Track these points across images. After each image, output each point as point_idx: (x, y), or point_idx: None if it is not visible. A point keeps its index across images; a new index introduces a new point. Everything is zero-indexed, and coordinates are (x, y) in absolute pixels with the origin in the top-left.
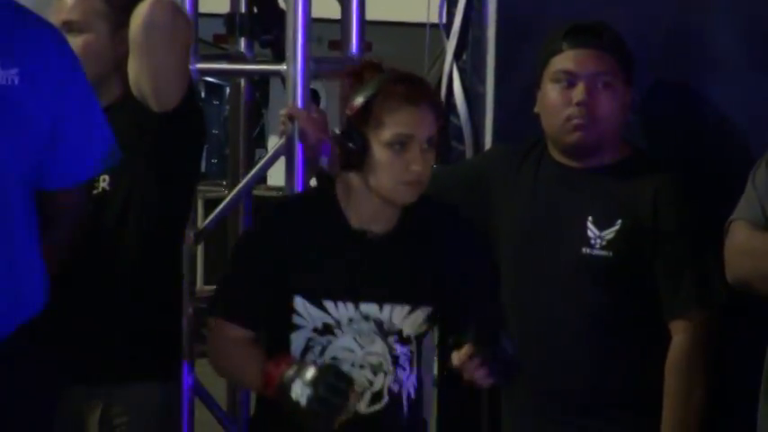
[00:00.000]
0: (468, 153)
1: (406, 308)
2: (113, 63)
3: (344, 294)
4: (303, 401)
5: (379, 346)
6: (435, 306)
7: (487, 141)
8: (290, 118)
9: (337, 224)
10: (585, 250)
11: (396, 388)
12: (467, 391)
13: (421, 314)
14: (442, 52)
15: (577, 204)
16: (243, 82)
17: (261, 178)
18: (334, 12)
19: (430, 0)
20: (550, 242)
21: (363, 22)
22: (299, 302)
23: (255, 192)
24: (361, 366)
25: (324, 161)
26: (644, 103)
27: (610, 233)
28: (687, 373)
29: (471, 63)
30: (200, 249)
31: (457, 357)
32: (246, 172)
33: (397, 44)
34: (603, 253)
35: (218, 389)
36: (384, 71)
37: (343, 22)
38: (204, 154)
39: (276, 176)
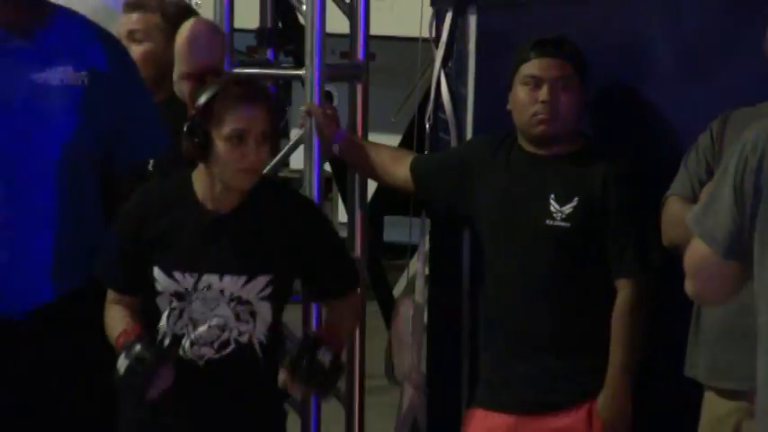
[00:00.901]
0: (453, 143)
1: (243, 278)
2: (166, 67)
3: (189, 266)
4: (121, 371)
5: (222, 308)
6: (273, 275)
7: (468, 133)
8: (308, 114)
9: (188, 205)
10: (549, 222)
11: (244, 338)
12: (451, 338)
13: (259, 282)
14: (432, 61)
15: (542, 184)
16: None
17: (284, 162)
18: (344, 28)
19: (422, 18)
20: (520, 215)
21: (368, 37)
22: (157, 272)
23: (280, 174)
24: (210, 326)
25: (336, 148)
26: (596, 102)
27: (568, 208)
28: (630, 323)
29: (456, 69)
30: None
31: (281, 380)
32: (273, 157)
33: (395, 54)
34: (563, 224)
35: None
36: (222, 76)
37: (351, 36)
38: None
39: (296, 161)
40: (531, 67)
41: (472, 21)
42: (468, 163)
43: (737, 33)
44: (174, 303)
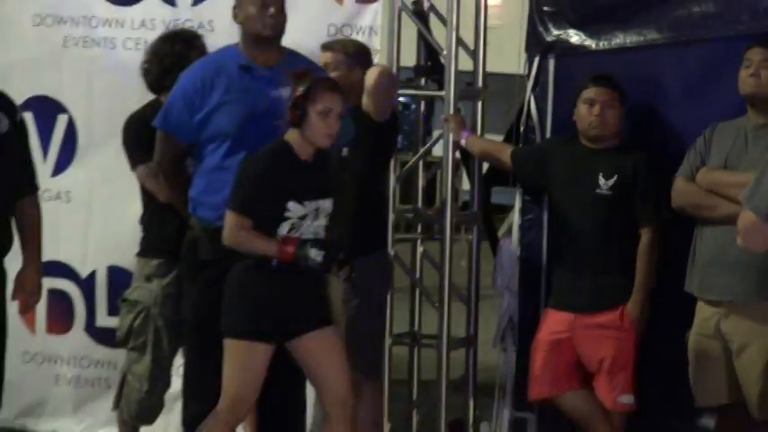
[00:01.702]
0: (538, 140)
1: (330, 200)
2: (350, 86)
3: (310, 196)
4: (320, 258)
5: (322, 221)
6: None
7: (548, 134)
8: (446, 120)
9: (295, 160)
10: (598, 191)
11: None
12: (535, 263)
13: (329, 202)
14: (525, 87)
15: (594, 167)
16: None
17: (428, 152)
18: (470, 66)
19: (520, 60)
20: (580, 186)
21: (485, 73)
22: (291, 204)
23: (426, 159)
24: (318, 233)
25: (463, 142)
26: (631, 115)
27: (611, 182)
28: (648, 256)
29: (540, 93)
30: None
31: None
32: (422, 147)
33: (502, 83)
34: (607, 192)
35: None
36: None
37: (474, 72)
38: (400, 137)
39: (437, 150)
40: (589, 93)
41: (551, 63)
42: (547, 153)
43: (721, 73)
44: (296, 222)
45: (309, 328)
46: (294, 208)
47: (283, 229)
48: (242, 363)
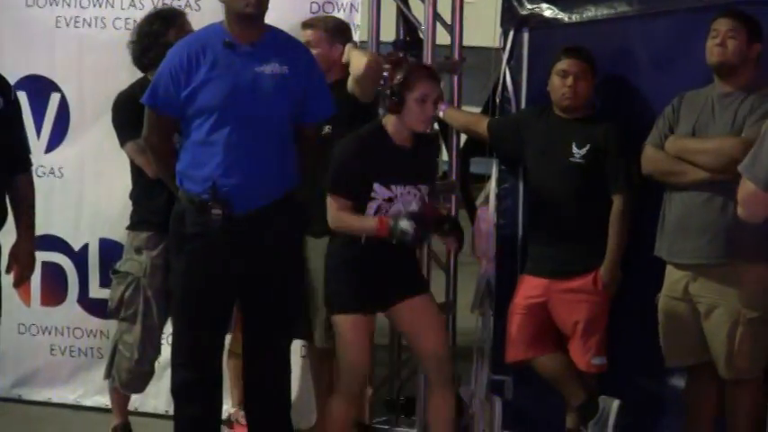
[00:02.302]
0: (513, 111)
1: (425, 186)
2: (329, 63)
3: (399, 180)
4: (410, 230)
5: (415, 205)
6: (432, 182)
7: (523, 105)
8: None
9: (389, 144)
10: (571, 159)
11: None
12: (510, 230)
13: (427, 187)
14: (501, 61)
15: (567, 136)
16: None
17: None
18: (447, 41)
19: (496, 33)
20: (553, 155)
21: (461, 46)
22: (376, 187)
23: None
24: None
25: (441, 114)
26: (602, 85)
27: (583, 151)
28: (620, 222)
29: (515, 66)
30: None
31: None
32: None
33: (478, 57)
34: (580, 161)
35: None
36: (408, 62)
37: (452, 45)
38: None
39: None
40: (562, 65)
41: (526, 36)
42: (522, 123)
43: (689, 44)
44: (383, 204)
45: (403, 296)
46: (380, 190)
47: (371, 209)
48: (351, 336)
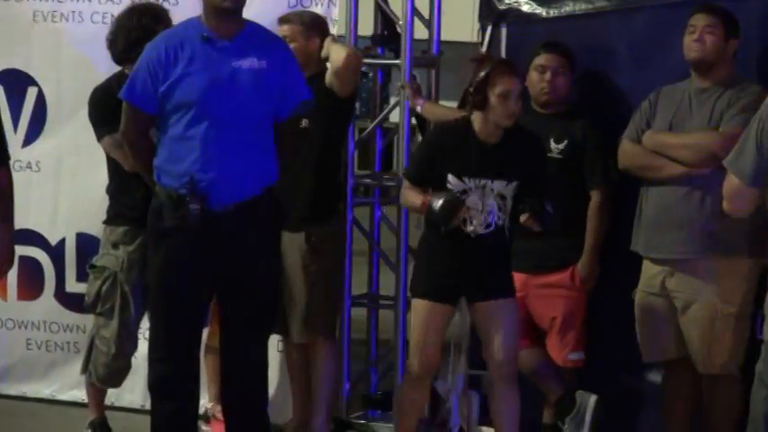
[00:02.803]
0: None
1: (504, 182)
2: (307, 57)
3: (474, 174)
4: (438, 205)
5: (492, 201)
6: (520, 182)
7: None
8: (402, 87)
9: (470, 138)
10: (550, 154)
11: (500, 222)
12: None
13: (512, 186)
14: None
15: (545, 131)
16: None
17: (386, 117)
18: (425, 35)
19: (474, 28)
20: None
21: (439, 41)
22: (450, 177)
23: (384, 125)
24: (483, 211)
25: (419, 109)
26: (581, 80)
27: (562, 146)
28: (598, 218)
29: None
30: None
31: (522, 218)
32: (379, 114)
33: (456, 51)
34: (558, 156)
35: None
36: (493, 59)
37: (429, 40)
38: (358, 104)
39: (394, 116)
40: (540, 60)
41: (504, 31)
42: None
43: (666, 39)
44: (459, 196)
45: (484, 297)
46: (453, 181)
47: None
48: (422, 321)
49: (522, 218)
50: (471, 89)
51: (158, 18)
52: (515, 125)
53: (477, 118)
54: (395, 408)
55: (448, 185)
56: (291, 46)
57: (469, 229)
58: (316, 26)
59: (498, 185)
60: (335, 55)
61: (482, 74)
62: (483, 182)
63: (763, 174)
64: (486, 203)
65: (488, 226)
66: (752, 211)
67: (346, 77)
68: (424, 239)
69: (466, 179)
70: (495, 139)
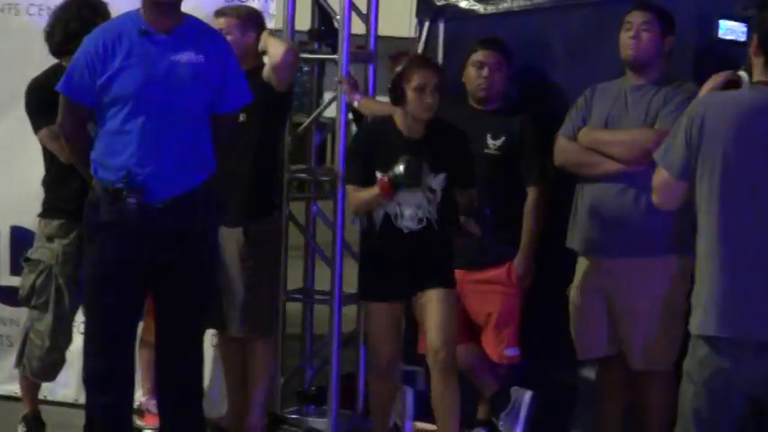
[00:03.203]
0: None
1: (431, 174)
2: (242, 51)
3: None
4: (402, 167)
5: (420, 195)
6: (448, 172)
7: None
8: (340, 83)
9: (395, 133)
10: (486, 150)
11: (430, 216)
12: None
13: (440, 178)
14: (416, 51)
15: (482, 127)
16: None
17: (322, 113)
18: (363, 30)
19: (411, 23)
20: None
21: (376, 36)
22: (379, 174)
23: (320, 120)
24: (413, 205)
25: (356, 104)
26: (518, 76)
27: (498, 142)
28: (534, 214)
29: (431, 56)
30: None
31: (462, 220)
32: (315, 108)
33: (393, 46)
34: (495, 152)
35: None
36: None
37: (366, 35)
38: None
39: (330, 111)
40: (478, 56)
41: (441, 27)
42: (437, 114)
43: (603, 35)
44: None
45: (421, 287)
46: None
47: None
48: (378, 322)
49: (462, 219)
50: (389, 86)
51: (97, 10)
52: (436, 118)
53: (398, 114)
54: (371, 406)
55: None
56: (228, 38)
57: (402, 224)
58: (252, 20)
59: (428, 179)
60: (273, 50)
61: (398, 69)
62: None
63: (691, 168)
64: (413, 198)
65: (420, 221)
66: (679, 205)
67: (284, 73)
68: (363, 244)
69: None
70: (418, 134)
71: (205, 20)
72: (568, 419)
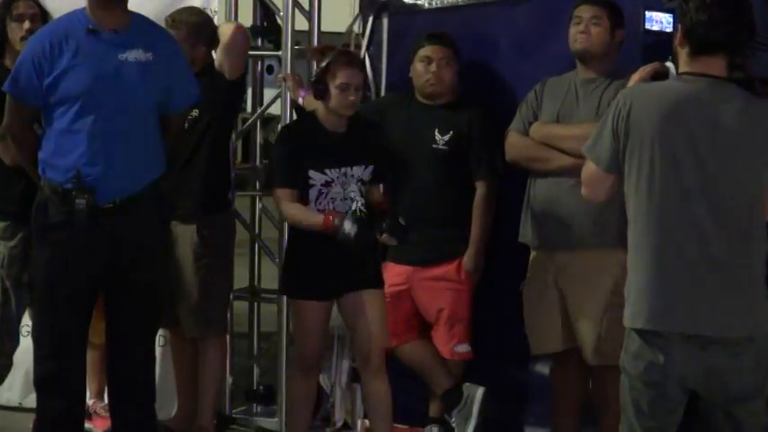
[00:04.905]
0: (373, 97)
1: (362, 167)
2: (194, 61)
3: (333, 164)
4: (353, 233)
5: (353, 187)
6: (374, 164)
7: (383, 91)
8: (284, 79)
9: (320, 130)
10: (434, 146)
11: (362, 207)
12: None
13: (369, 169)
14: (360, 46)
15: (430, 122)
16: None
17: (266, 109)
18: (306, 26)
19: (354, 16)
20: (416, 142)
21: (320, 32)
22: (312, 173)
23: (264, 116)
24: (346, 199)
25: (300, 101)
26: (465, 71)
27: (446, 137)
28: (483, 209)
29: (375, 51)
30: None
31: (380, 237)
32: (260, 106)
33: (337, 42)
34: (443, 147)
35: None
36: (335, 50)
37: (310, 32)
38: None
39: (275, 108)
40: (425, 51)
41: (385, 21)
42: (384, 110)
43: (551, 30)
44: (322, 189)
45: (349, 288)
46: (315, 176)
47: (312, 194)
48: (303, 319)
49: (380, 237)
50: (313, 79)
51: (8, 7)
52: (355, 113)
53: (320, 108)
54: (285, 404)
55: (311, 181)
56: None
57: (345, 231)
58: (202, 34)
59: (357, 171)
60: (224, 30)
61: (322, 64)
62: (343, 170)
63: (619, 160)
64: (347, 191)
65: (357, 221)
66: (608, 197)
67: (234, 54)
68: (292, 238)
69: (327, 171)
70: (342, 128)
71: (154, 18)
72: (522, 416)
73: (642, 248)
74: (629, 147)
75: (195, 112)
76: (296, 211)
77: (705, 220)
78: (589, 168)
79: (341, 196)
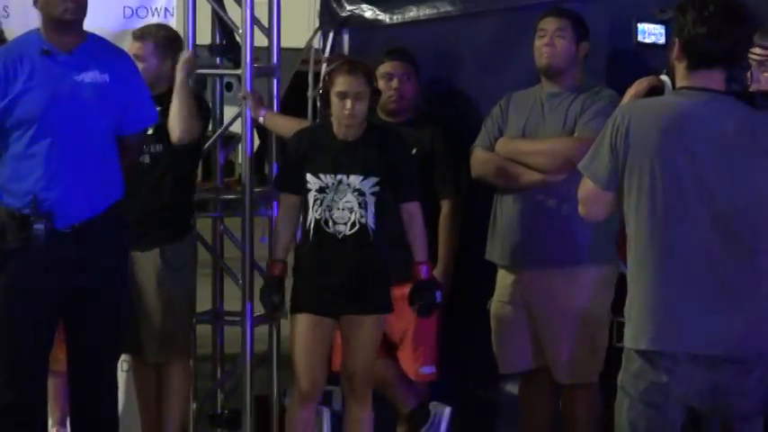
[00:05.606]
0: None
1: (360, 177)
2: (157, 77)
3: (329, 170)
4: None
5: (350, 197)
6: (380, 177)
7: None
8: (244, 98)
9: (329, 136)
10: None
11: (363, 221)
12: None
13: (371, 180)
14: (320, 61)
15: None
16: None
17: (227, 128)
18: (265, 43)
19: (317, 34)
20: None
21: (279, 49)
22: (309, 177)
23: (225, 134)
24: (343, 209)
25: (261, 119)
26: (427, 87)
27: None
28: (449, 227)
29: None
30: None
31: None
32: (220, 125)
33: (295, 58)
34: None
35: None
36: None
37: (269, 49)
38: None
39: (235, 127)
40: (386, 67)
41: (346, 37)
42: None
43: (515, 44)
44: (317, 195)
45: (354, 310)
46: (311, 180)
47: (309, 200)
48: (306, 336)
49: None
50: (320, 89)
51: None
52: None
53: (333, 118)
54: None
55: (308, 185)
56: (143, 65)
57: (333, 229)
58: (170, 47)
59: (354, 180)
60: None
61: (326, 72)
62: (339, 177)
63: (618, 178)
64: (343, 200)
65: (353, 225)
66: (607, 216)
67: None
68: (297, 254)
69: (322, 176)
70: (353, 136)
71: (108, 38)
72: None
73: (645, 266)
74: (629, 163)
75: (159, 147)
76: (277, 225)
77: (709, 236)
78: (586, 187)
79: (337, 206)
